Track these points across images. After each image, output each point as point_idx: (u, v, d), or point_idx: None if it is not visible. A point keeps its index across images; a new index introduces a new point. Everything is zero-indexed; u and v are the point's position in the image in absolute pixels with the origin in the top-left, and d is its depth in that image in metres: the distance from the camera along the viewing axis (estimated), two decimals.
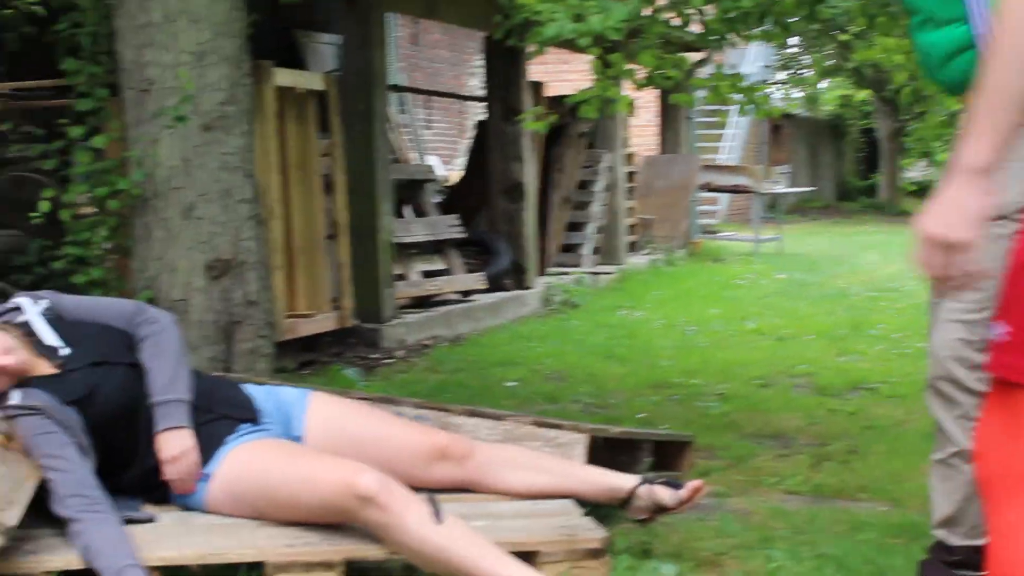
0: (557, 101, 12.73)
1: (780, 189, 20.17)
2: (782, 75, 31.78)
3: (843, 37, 21.01)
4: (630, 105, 7.03)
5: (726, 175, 19.41)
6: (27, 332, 3.97)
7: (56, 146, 5.84)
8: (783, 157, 31.30)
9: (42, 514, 3.64)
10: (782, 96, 35.75)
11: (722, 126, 26.46)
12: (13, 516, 3.40)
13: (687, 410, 6.68)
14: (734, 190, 19.71)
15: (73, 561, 3.49)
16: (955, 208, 2.48)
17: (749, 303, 11.82)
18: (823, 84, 36.57)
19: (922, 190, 36.07)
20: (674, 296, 12.38)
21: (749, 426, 6.28)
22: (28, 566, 3.46)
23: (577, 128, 13.38)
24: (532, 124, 7.63)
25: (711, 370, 7.99)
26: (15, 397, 3.76)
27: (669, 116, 17.29)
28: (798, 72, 32.13)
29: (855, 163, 38.32)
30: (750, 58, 26.98)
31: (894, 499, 4.90)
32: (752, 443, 5.89)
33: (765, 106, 7.12)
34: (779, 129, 31.54)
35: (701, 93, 8.10)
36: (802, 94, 35.79)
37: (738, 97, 7.04)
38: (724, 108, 7.66)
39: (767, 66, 28.43)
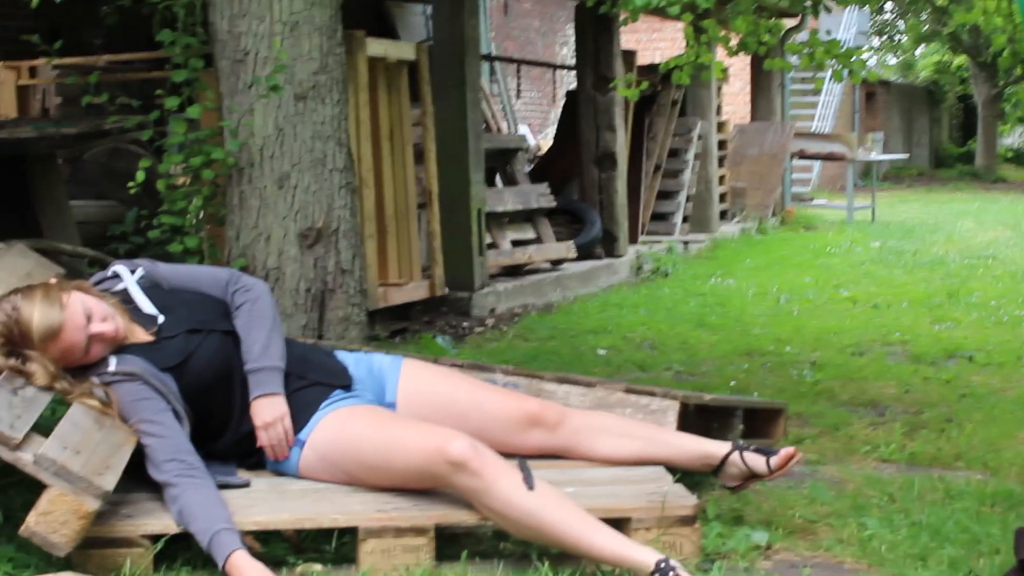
0: (649, 69, 12.67)
1: (874, 156, 19.94)
2: (877, 41, 31.41)
3: (940, 1, 20.70)
4: (724, 71, 6.99)
5: (819, 142, 19.22)
6: (124, 300, 4.02)
7: (152, 117, 5.89)
8: (877, 124, 30.96)
9: (139, 479, 3.70)
10: (877, 62, 35.34)
11: (816, 93, 26.19)
12: (110, 481, 3.46)
13: (780, 378, 6.64)
14: (827, 157, 19.51)
15: (169, 525, 3.54)
16: None
17: (842, 271, 11.72)
18: (919, 50, 36.09)
19: (1019, 156, 35.55)
20: (766, 264, 12.30)
21: (843, 394, 6.23)
22: (125, 530, 3.51)
23: (669, 96, 13.31)
24: (624, 91, 7.61)
25: (804, 338, 7.94)
26: (112, 364, 3.81)
27: (762, 83, 17.15)
28: (893, 37, 31.74)
29: (951, 130, 37.79)
30: (845, 23, 26.70)
31: (990, 467, 4.85)
32: (846, 411, 5.84)
33: (861, 72, 7.03)
34: (873, 96, 31.19)
35: (795, 59, 8.01)
36: (897, 60, 35.36)
37: (833, 63, 6.96)
38: (818, 74, 7.58)
39: (862, 32, 28.11)
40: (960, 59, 33.45)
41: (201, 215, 5.83)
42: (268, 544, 3.76)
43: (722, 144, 15.42)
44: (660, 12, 6.80)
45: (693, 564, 3.66)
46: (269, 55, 5.46)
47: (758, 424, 4.91)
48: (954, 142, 37.11)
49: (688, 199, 13.93)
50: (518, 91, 20.22)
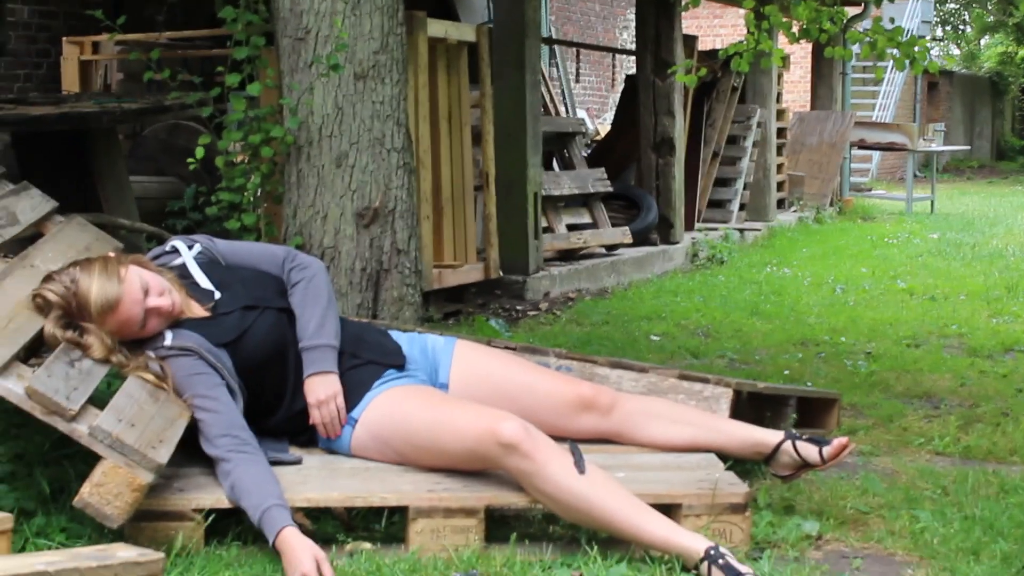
0: (709, 55, 12.61)
1: (935, 147, 19.77)
2: (941, 31, 31.16)
3: None
4: (784, 59, 6.94)
5: (879, 132, 19.08)
6: (182, 275, 4.05)
7: (212, 94, 5.92)
8: (938, 115, 30.71)
9: (192, 453, 3.73)
10: (940, 52, 35.03)
11: (877, 83, 26.01)
12: (164, 454, 3.49)
13: (834, 368, 6.60)
14: (887, 148, 19.38)
15: (221, 499, 3.56)
16: None
17: (900, 262, 11.63)
18: (983, 40, 35.75)
19: None
20: (823, 254, 12.23)
21: (897, 385, 6.19)
22: (178, 503, 3.54)
23: (729, 82, 13.24)
24: (683, 77, 7.57)
25: (859, 328, 7.89)
26: (168, 338, 3.84)
27: (822, 71, 17.04)
28: (957, 27, 31.46)
29: (1014, 122, 37.42)
30: (909, 12, 26.48)
31: None
32: (900, 403, 5.80)
33: (923, 62, 6.97)
34: (935, 86, 30.94)
35: (856, 48, 7.95)
36: (961, 50, 35.04)
37: (895, 52, 6.90)
38: (880, 64, 7.51)
39: (926, 21, 27.88)
40: None
41: (259, 192, 5.86)
42: (318, 522, 3.78)
43: (781, 132, 15.34)
44: None
45: (743, 552, 3.65)
46: (330, 34, 5.48)
47: (811, 414, 4.90)
48: (1016, 134, 36.74)
49: (745, 187, 13.87)
50: (577, 75, 20.18)
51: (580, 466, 3.53)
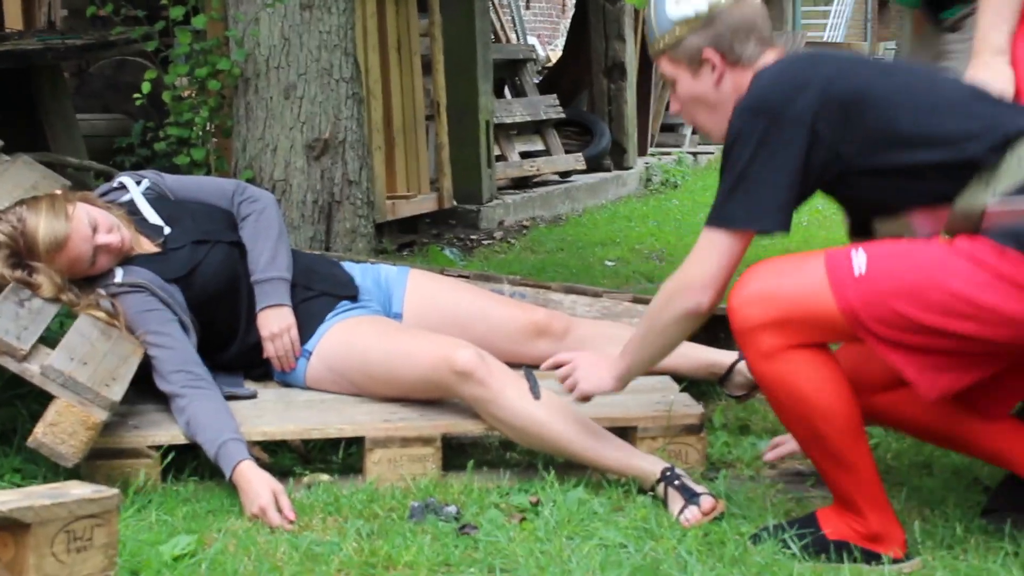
0: None
1: None
2: None
3: None
4: None
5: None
6: (130, 211, 4.01)
7: (157, 28, 5.85)
8: (889, 34, 30.68)
9: (147, 390, 3.72)
10: None
11: (827, 2, 25.98)
12: (117, 392, 3.47)
13: None
14: None
15: (176, 436, 3.56)
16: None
17: None
18: None
19: None
20: None
21: None
22: (133, 441, 3.53)
23: None
24: (633, 0, 7.54)
25: (812, 247, 7.90)
26: (118, 275, 3.81)
27: None
28: None
29: None
30: None
31: None
32: None
33: None
34: (886, 5, 30.89)
35: None
36: None
37: None
38: None
39: None
40: None
41: (208, 127, 5.81)
42: (275, 455, 3.79)
43: None
44: None
45: (698, 473, 3.67)
46: None
47: None
48: None
49: None
50: (527, 2, 20.07)
51: (535, 392, 3.54)
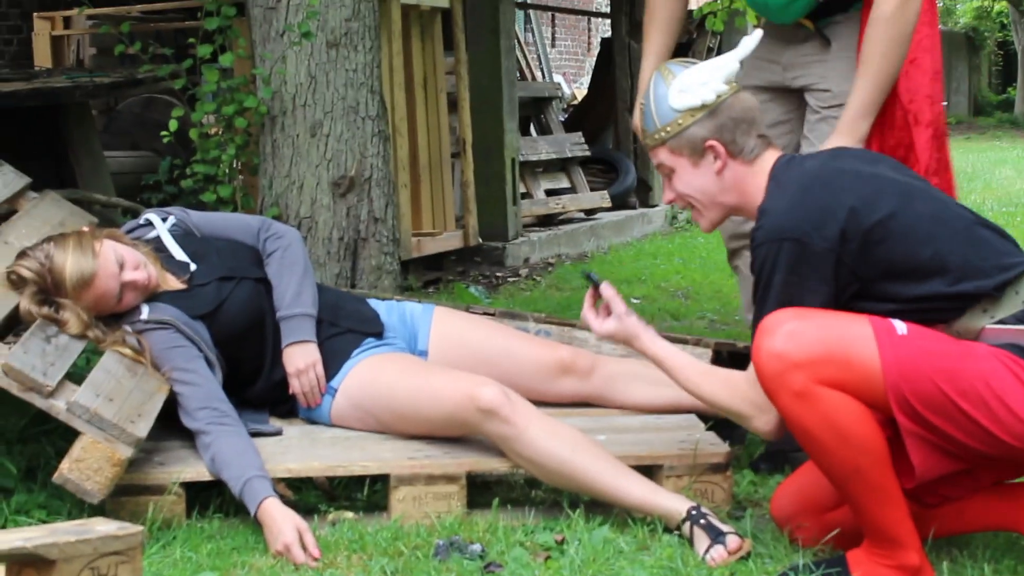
0: None
1: None
2: None
3: None
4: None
5: None
6: (157, 248, 4.03)
7: (185, 66, 5.88)
8: None
9: (172, 427, 3.72)
10: None
11: None
12: (143, 428, 3.47)
13: None
14: None
15: (202, 472, 3.56)
16: None
17: None
18: None
19: None
20: None
21: None
22: (158, 477, 3.53)
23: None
24: None
25: None
26: (144, 312, 3.82)
27: None
28: None
29: (990, 77, 37.43)
30: None
31: None
32: None
33: None
34: None
35: None
36: (937, 6, 35.00)
37: None
38: None
39: None
40: (1001, 5, 33.12)
41: (234, 164, 5.82)
42: (300, 492, 3.78)
43: None
44: None
45: (725, 512, 3.65)
46: (301, 2, 5.43)
47: None
48: (993, 90, 36.76)
49: None
50: (553, 40, 20.14)
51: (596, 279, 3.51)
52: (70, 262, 3.71)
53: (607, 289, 3.46)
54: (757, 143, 3.25)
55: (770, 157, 3.25)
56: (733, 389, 3.25)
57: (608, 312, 3.44)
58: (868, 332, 2.92)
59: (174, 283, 3.95)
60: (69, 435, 3.44)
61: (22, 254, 3.78)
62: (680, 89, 3.25)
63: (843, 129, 3.64)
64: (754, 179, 3.23)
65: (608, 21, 14.06)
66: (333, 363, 3.95)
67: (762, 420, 3.19)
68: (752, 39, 3.38)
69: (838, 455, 2.97)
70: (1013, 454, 2.91)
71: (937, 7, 4.11)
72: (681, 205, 3.38)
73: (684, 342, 4.51)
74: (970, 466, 3.03)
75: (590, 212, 10.75)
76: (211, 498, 3.62)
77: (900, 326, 2.94)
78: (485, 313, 4.67)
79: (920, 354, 2.90)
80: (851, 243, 3.00)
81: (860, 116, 3.69)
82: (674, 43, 4.30)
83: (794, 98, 4.21)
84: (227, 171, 5.78)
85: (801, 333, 2.95)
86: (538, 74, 17.00)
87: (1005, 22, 34.46)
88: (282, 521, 3.36)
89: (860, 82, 3.73)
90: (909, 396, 2.87)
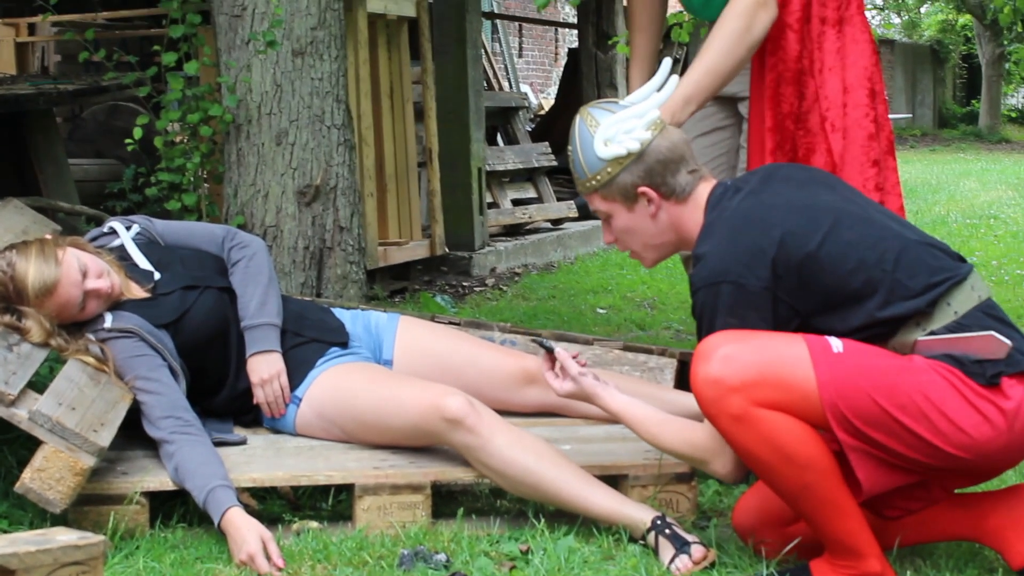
0: None
1: None
2: None
3: None
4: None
5: None
6: (120, 256, 4.01)
7: (150, 74, 5.86)
8: None
9: (135, 436, 3.70)
10: (881, 20, 35.14)
11: None
12: (106, 437, 3.45)
13: None
14: None
15: (165, 482, 3.54)
16: None
17: None
18: (923, 8, 35.94)
19: (1023, 116, 35.45)
20: None
21: None
22: (121, 487, 3.51)
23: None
24: (624, 49, 7.58)
25: None
26: (108, 320, 3.80)
27: None
28: None
29: (955, 89, 37.67)
30: None
31: None
32: None
33: None
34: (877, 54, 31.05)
35: None
36: (902, 19, 35.19)
37: None
38: None
39: None
40: (965, 18, 33.34)
41: (199, 172, 5.81)
42: (265, 501, 3.77)
43: None
44: None
45: (689, 521, 3.65)
46: (267, 10, 5.43)
47: None
48: (958, 102, 36.99)
49: None
50: (520, 50, 20.16)
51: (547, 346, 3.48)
52: (32, 270, 3.69)
53: (560, 353, 3.48)
54: (688, 179, 3.26)
55: (703, 190, 3.26)
56: (688, 436, 3.25)
57: (566, 373, 3.46)
58: (804, 352, 2.94)
59: (138, 292, 3.93)
60: (31, 444, 3.42)
61: None
62: (604, 139, 3.27)
63: (665, 113, 3.46)
64: (691, 215, 3.26)
65: (575, 32, 14.08)
66: (298, 373, 3.93)
67: (719, 463, 3.20)
68: (663, 68, 3.43)
69: (784, 474, 2.98)
70: (957, 464, 2.93)
71: (868, 22, 4.13)
72: (621, 248, 3.40)
73: (649, 352, 4.52)
74: (921, 478, 3.05)
75: (557, 222, 10.76)
76: (175, 508, 3.60)
77: (836, 344, 2.96)
78: (451, 322, 4.67)
79: (856, 371, 2.92)
80: (785, 279, 3.02)
81: (685, 101, 3.58)
82: (658, 44, 4.30)
83: (732, 104, 4.25)
84: (192, 179, 5.76)
85: (736, 357, 2.96)
86: (505, 84, 17.01)
87: (970, 35, 34.69)
88: (246, 531, 3.35)
89: (691, 68, 3.68)
90: (847, 413, 2.89)
